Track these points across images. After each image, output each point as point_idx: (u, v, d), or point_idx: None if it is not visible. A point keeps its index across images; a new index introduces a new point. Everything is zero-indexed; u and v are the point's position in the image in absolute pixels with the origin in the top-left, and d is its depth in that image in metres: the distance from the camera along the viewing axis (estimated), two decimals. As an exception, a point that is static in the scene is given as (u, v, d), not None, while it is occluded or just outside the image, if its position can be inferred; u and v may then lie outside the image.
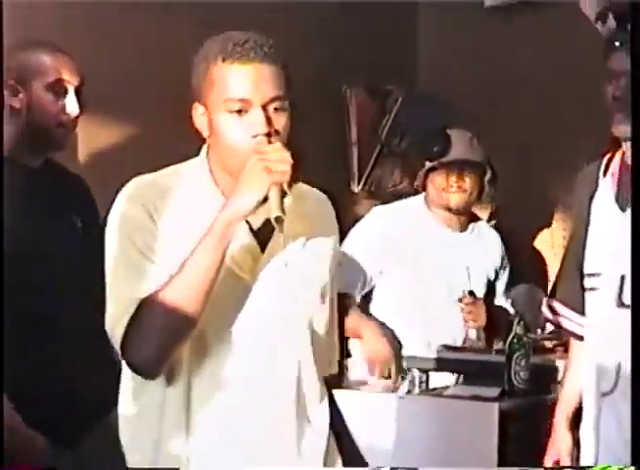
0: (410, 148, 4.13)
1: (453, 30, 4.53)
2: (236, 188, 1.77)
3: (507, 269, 3.72)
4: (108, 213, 2.59)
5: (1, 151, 2.40)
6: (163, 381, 1.84)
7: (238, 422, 1.86)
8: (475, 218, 3.73)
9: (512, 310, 3.65)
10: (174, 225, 1.84)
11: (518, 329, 3.08)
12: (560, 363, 3.07)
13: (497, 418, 2.99)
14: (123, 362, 1.86)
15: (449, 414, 3.13)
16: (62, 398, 2.41)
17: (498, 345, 3.27)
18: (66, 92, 2.46)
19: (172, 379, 1.84)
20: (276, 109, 1.82)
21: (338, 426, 2.05)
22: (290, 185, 1.76)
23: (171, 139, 3.43)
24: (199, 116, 1.87)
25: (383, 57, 4.43)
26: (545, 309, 2.75)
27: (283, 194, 1.76)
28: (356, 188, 4.39)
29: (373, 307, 3.57)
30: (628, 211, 2.51)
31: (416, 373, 3.30)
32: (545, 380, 3.01)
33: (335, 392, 2.68)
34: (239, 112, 1.81)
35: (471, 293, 3.52)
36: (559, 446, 2.69)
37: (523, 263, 3.93)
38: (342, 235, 2.47)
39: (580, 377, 2.63)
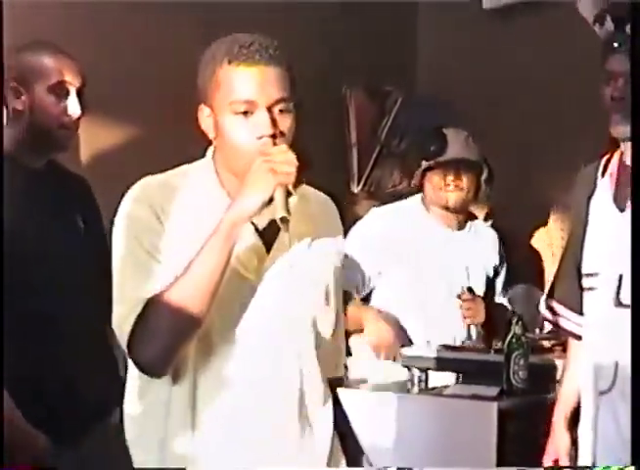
0: (409, 148, 4.14)
1: (453, 30, 4.53)
2: (241, 189, 1.79)
3: (505, 267, 3.73)
4: (110, 214, 2.61)
5: (1, 151, 2.42)
6: (169, 380, 1.85)
7: (242, 422, 1.87)
8: (472, 217, 3.75)
9: (510, 307, 3.67)
10: (181, 226, 1.85)
11: (516, 329, 3.10)
12: (558, 363, 3.09)
13: (496, 417, 3.01)
14: (129, 361, 1.87)
15: (449, 413, 3.14)
16: (63, 397, 2.42)
17: (497, 344, 3.28)
18: (67, 94, 2.47)
19: (178, 378, 1.85)
20: (281, 110, 1.83)
21: (342, 427, 2.05)
22: (295, 186, 1.78)
23: (173, 139, 3.45)
24: (205, 117, 1.89)
25: (382, 57, 4.43)
26: (544, 310, 2.76)
27: (288, 195, 1.77)
28: (356, 189, 4.39)
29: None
30: (626, 211, 2.52)
31: (416, 372, 3.32)
32: (544, 379, 3.02)
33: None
34: (244, 113, 1.82)
35: (469, 289, 3.53)
36: (557, 444, 2.70)
37: (520, 263, 3.94)
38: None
39: (578, 376, 2.64)
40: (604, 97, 2.57)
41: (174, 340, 1.79)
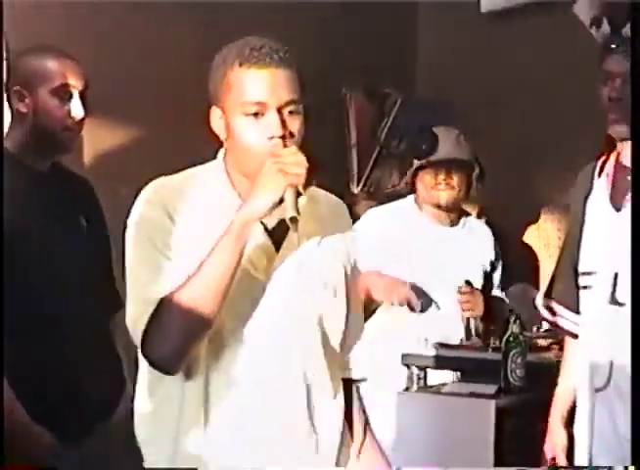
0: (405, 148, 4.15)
1: (453, 31, 4.53)
2: (252, 190, 1.81)
3: (501, 262, 3.75)
4: (113, 215, 2.62)
5: (1, 152, 2.43)
6: (182, 376, 1.87)
7: (251, 420, 1.88)
8: (465, 214, 3.76)
9: (508, 301, 3.69)
10: (192, 227, 1.87)
11: (514, 328, 3.12)
12: (555, 361, 3.10)
13: (494, 414, 3.03)
14: (140, 359, 1.89)
15: (447, 411, 3.16)
16: (66, 397, 2.43)
17: (495, 343, 3.30)
18: (71, 96, 2.48)
19: (191, 374, 1.87)
20: (291, 112, 1.86)
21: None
22: (305, 187, 1.80)
23: (174, 140, 3.47)
24: (216, 119, 1.91)
25: (382, 57, 4.43)
26: (543, 310, 2.78)
27: (298, 195, 1.80)
28: (356, 189, 4.41)
29: (371, 307, 3.59)
30: (622, 210, 2.54)
31: (414, 370, 3.34)
32: (541, 377, 3.03)
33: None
34: (255, 114, 1.85)
35: (468, 283, 3.55)
36: (554, 441, 2.71)
37: (516, 261, 3.95)
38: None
39: (575, 374, 2.66)
40: (601, 97, 2.58)
41: (186, 339, 1.82)
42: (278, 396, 1.90)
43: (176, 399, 1.88)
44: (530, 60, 4.22)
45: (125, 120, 3.44)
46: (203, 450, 1.87)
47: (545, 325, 3.29)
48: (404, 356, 3.35)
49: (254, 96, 1.84)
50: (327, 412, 1.96)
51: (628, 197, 2.51)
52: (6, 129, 2.53)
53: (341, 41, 4.22)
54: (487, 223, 3.82)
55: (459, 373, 3.36)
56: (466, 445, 3.04)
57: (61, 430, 2.40)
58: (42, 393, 2.39)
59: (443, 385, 3.30)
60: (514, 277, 3.83)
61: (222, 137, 1.92)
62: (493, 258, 3.71)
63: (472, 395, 3.14)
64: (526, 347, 3.15)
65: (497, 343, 3.25)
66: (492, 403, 3.05)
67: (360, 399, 2.09)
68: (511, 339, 3.11)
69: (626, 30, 2.68)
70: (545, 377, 2.93)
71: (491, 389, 3.12)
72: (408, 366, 3.35)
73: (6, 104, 2.53)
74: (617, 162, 2.61)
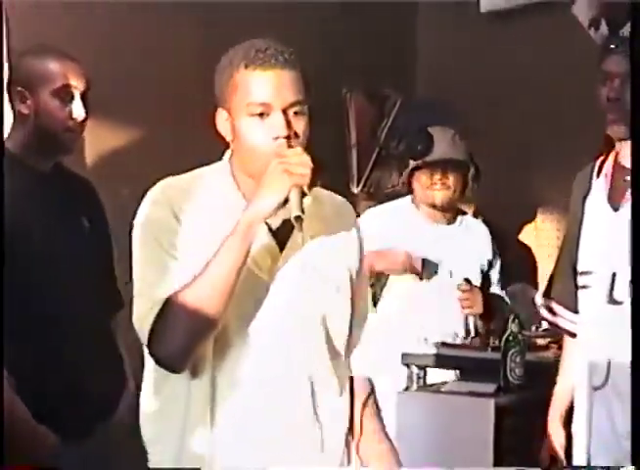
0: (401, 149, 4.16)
1: (453, 31, 4.54)
2: (257, 190, 1.83)
3: (499, 259, 3.76)
4: (115, 215, 2.63)
5: (1, 153, 2.44)
6: (188, 374, 1.88)
7: (256, 419, 1.89)
8: (461, 213, 3.78)
9: (507, 299, 3.70)
10: (198, 227, 1.89)
11: (513, 327, 3.12)
12: (554, 360, 3.11)
13: (493, 413, 3.04)
14: (146, 358, 1.90)
15: (447, 409, 3.17)
16: (68, 397, 2.43)
17: (494, 342, 3.31)
18: (72, 97, 2.48)
19: (197, 373, 1.89)
20: (296, 113, 1.88)
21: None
22: (309, 187, 1.82)
23: (176, 140, 3.47)
24: (222, 121, 1.93)
25: (382, 57, 4.43)
26: (544, 311, 2.79)
27: (302, 195, 1.81)
28: (356, 189, 4.42)
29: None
30: (620, 210, 2.55)
31: (414, 369, 3.35)
32: (539, 376, 3.04)
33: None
34: (260, 115, 1.87)
35: (467, 280, 3.56)
36: (553, 440, 2.73)
37: (513, 261, 3.96)
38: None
39: (573, 373, 2.67)
40: (600, 97, 2.59)
41: (191, 338, 1.83)
42: (283, 395, 1.91)
43: (182, 397, 1.90)
44: (530, 60, 4.23)
45: (126, 121, 3.44)
46: (208, 450, 1.88)
47: (544, 324, 3.31)
48: (404, 356, 3.36)
49: (260, 97, 1.86)
50: (332, 411, 1.97)
51: (626, 196, 2.53)
52: (8, 130, 2.54)
53: (341, 41, 4.22)
54: (485, 222, 3.83)
55: (459, 372, 3.37)
56: (466, 443, 3.05)
57: (62, 430, 2.40)
58: (43, 392, 2.40)
59: (443, 384, 3.31)
60: (512, 277, 3.84)
61: (228, 139, 1.93)
62: (491, 256, 3.72)
63: (471, 393, 3.15)
64: (525, 346, 3.16)
65: (496, 342, 3.26)
66: (492, 402, 3.06)
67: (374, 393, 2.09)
68: (510, 338, 3.12)
69: (625, 31, 2.70)
70: (544, 376, 2.94)
71: (491, 388, 3.13)
72: (408, 366, 3.36)
73: (8, 105, 2.54)
74: (616, 162, 2.62)
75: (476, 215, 3.92)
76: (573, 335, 2.71)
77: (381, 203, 3.87)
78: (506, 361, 3.11)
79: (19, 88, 2.48)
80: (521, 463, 2.86)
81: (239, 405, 1.88)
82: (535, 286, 3.98)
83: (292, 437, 1.91)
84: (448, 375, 3.39)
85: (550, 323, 2.84)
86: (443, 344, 3.42)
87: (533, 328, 3.51)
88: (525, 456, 2.85)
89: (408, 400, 3.22)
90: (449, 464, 2.97)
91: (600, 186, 2.63)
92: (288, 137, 1.85)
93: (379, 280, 3.53)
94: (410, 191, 3.69)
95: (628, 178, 2.52)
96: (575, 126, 3.95)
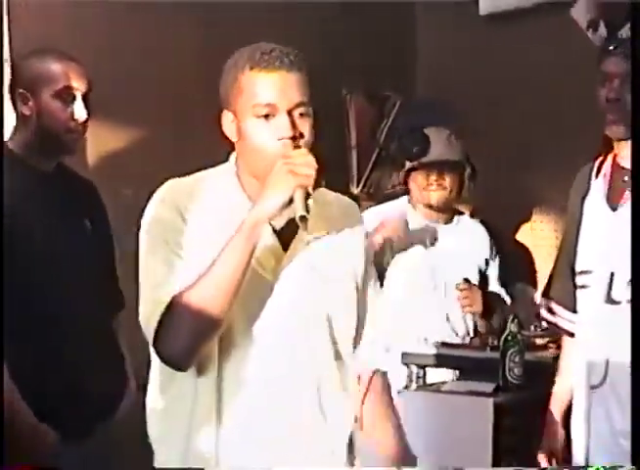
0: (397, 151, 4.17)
1: (453, 31, 4.54)
2: (262, 191, 1.84)
3: (497, 258, 3.76)
4: (116, 216, 2.64)
5: (1, 154, 2.45)
6: (194, 373, 1.89)
7: (262, 418, 1.90)
8: (458, 213, 3.78)
9: (507, 298, 3.70)
10: (203, 227, 1.90)
11: (512, 327, 3.13)
12: (553, 360, 3.12)
13: (492, 412, 3.05)
14: (153, 357, 1.91)
15: (446, 409, 3.18)
16: (69, 396, 2.45)
17: (493, 342, 3.32)
18: (74, 99, 2.50)
19: (203, 371, 1.90)
20: (301, 114, 1.89)
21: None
22: (314, 188, 1.83)
23: (177, 140, 3.47)
24: (228, 123, 1.94)
25: (382, 57, 4.43)
26: (544, 311, 2.80)
27: (307, 196, 1.82)
28: (356, 190, 4.42)
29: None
30: (618, 210, 2.56)
31: (414, 369, 3.35)
32: (538, 375, 3.05)
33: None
34: (266, 116, 1.88)
35: (466, 280, 3.57)
36: (552, 439, 2.74)
37: (511, 260, 3.96)
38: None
39: (572, 372, 2.68)
40: (599, 98, 2.60)
41: (196, 338, 1.84)
42: (288, 395, 1.92)
43: (189, 396, 1.90)
44: (530, 60, 4.23)
45: (127, 121, 3.44)
46: (214, 449, 1.89)
47: (543, 324, 3.31)
48: (404, 355, 3.37)
49: (265, 98, 1.87)
50: (338, 410, 1.98)
51: (625, 197, 2.54)
52: (11, 131, 2.55)
53: (341, 41, 4.21)
54: (482, 223, 3.83)
55: (458, 372, 3.38)
56: (464, 442, 3.05)
57: (62, 429, 2.42)
58: (44, 392, 2.41)
59: (442, 383, 3.32)
60: (510, 276, 3.85)
61: (234, 140, 1.94)
62: (488, 255, 3.73)
63: (470, 393, 3.17)
64: (524, 345, 3.17)
65: (495, 342, 3.27)
66: (490, 401, 3.07)
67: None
68: (509, 338, 3.13)
69: (623, 32, 2.70)
70: (543, 375, 2.95)
71: (490, 387, 3.14)
72: (407, 365, 3.37)
73: (11, 106, 2.55)
74: (615, 162, 2.63)
75: (473, 216, 3.92)
76: (572, 334, 2.72)
77: (380, 203, 3.88)
78: (505, 361, 3.12)
79: (20, 90, 2.50)
80: (519, 462, 2.88)
81: (244, 405, 1.89)
82: (534, 286, 3.99)
83: (297, 436, 1.92)
84: (448, 375, 3.40)
85: (549, 323, 2.85)
86: (443, 343, 3.43)
87: (532, 328, 3.52)
88: (524, 456, 2.86)
89: (408, 400, 3.22)
90: (448, 463, 2.98)
91: (599, 186, 2.64)
92: (293, 138, 1.87)
93: (384, 253, 3.52)
94: (407, 191, 3.70)
95: (627, 179, 2.53)
96: (575, 127, 3.95)
